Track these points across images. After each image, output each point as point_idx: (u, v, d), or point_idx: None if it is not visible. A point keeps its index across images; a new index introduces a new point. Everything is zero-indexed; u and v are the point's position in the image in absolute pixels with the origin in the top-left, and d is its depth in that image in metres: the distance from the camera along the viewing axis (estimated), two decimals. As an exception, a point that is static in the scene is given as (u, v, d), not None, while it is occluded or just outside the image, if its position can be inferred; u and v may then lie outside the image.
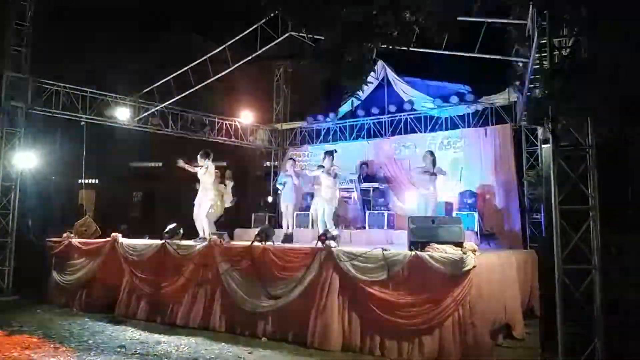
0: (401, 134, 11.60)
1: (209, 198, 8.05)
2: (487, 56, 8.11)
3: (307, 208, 10.28)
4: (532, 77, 6.46)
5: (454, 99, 10.70)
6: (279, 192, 11.10)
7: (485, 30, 7.72)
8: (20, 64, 9.37)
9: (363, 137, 12.28)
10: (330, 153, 8.59)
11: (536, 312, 6.63)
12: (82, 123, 10.28)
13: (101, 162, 15.95)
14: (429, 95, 11.46)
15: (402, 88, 11.77)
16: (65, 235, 8.90)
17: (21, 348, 5.51)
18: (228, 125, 12.77)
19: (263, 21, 10.38)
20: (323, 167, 8.49)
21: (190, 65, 11.02)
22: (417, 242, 5.66)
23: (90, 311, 7.80)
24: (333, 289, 5.81)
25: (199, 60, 11.01)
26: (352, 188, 10.95)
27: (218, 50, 10.93)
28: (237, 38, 10.84)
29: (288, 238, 8.31)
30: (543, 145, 7.29)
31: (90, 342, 5.93)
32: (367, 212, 10.31)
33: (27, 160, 9.63)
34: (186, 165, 8.11)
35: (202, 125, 12.18)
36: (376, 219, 10.02)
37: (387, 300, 5.47)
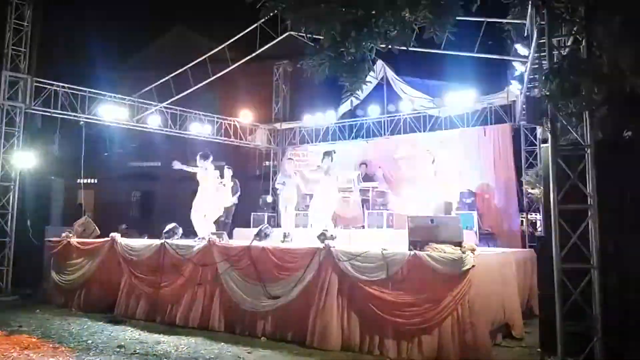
0: (400, 134, 11.62)
1: (208, 199, 8.06)
2: (486, 56, 8.12)
3: (306, 208, 10.28)
4: (531, 76, 6.47)
5: (453, 98, 10.70)
6: (278, 192, 11.14)
7: (484, 30, 7.74)
8: (19, 63, 9.37)
9: (362, 137, 12.30)
10: (329, 154, 8.60)
11: (535, 311, 6.62)
12: (81, 123, 10.27)
13: (100, 161, 15.97)
14: (428, 95, 11.48)
15: (402, 87, 11.78)
16: (64, 235, 8.88)
17: (20, 348, 5.50)
18: (227, 125, 12.77)
19: (262, 20, 10.38)
20: (322, 167, 8.52)
21: (189, 65, 11.02)
22: (416, 242, 5.65)
23: (89, 311, 7.78)
24: (332, 289, 5.81)
25: (199, 59, 11.01)
26: (351, 188, 10.95)
27: (217, 49, 10.93)
28: (236, 37, 10.85)
29: (287, 238, 8.30)
30: (542, 145, 7.29)
31: (89, 342, 5.91)
32: (366, 212, 10.31)
33: (26, 160, 9.63)
34: (183, 166, 8.11)
35: (200, 124, 12.19)
36: (375, 218, 10.01)
37: (386, 299, 5.46)
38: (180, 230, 7.84)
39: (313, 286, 5.89)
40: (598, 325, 4.45)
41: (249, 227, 10.72)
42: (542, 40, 5.05)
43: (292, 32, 10.27)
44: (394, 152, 11.01)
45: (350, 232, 9.89)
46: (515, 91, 9.28)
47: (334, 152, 8.83)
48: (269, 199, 12.43)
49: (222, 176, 9.38)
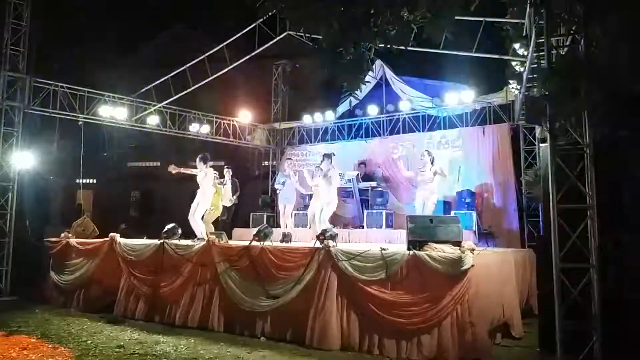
0: (399, 134, 11.63)
1: (206, 201, 8.07)
2: (485, 55, 8.12)
3: (305, 208, 10.29)
4: (530, 76, 6.46)
5: (452, 98, 10.71)
6: (278, 192, 11.14)
7: (483, 29, 7.74)
8: (18, 63, 9.35)
9: (361, 137, 12.30)
10: (328, 156, 8.61)
11: (534, 310, 6.63)
12: (80, 123, 10.26)
13: (99, 162, 15.95)
14: (427, 95, 11.49)
15: (400, 87, 11.79)
16: (63, 235, 8.89)
17: (19, 348, 5.49)
18: (226, 124, 12.77)
19: (261, 20, 10.38)
20: (321, 169, 8.53)
21: (188, 65, 11.01)
22: (416, 242, 5.66)
23: (88, 311, 7.79)
24: (331, 289, 5.81)
25: (197, 59, 11.00)
26: (351, 187, 10.96)
27: (216, 49, 10.92)
28: (235, 37, 10.85)
29: (286, 238, 8.31)
30: (541, 145, 7.29)
31: (88, 342, 5.91)
32: (366, 212, 10.32)
33: (25, 160, 9.63)
34: (181, 169, 8.12)
35: (199, 124, 12.18)
36: (374, 218, 10.02)
37: (385, 299, 5.47)
38: (180, 230, 7.84)
39: (312, 286, 5.89)
40: (597, 325, 4.46)
41: (248, 227, 10.73)
42: (540, 40, 5.05)
43: (290, 32, 10.29)
44: (392, 151, 10.98)
45: (349, 232, 9.92)
46: (514, 91, 9.28)
47: (334, 155, 8.84)
48: (268, 198, 12.43)
49: (221, 176, 9.40)
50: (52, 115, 9.99)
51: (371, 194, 10.76)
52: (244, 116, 13.03)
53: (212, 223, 8.74)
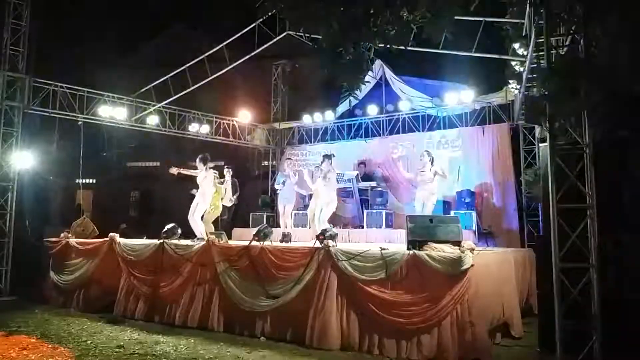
0: (399, 133, 11.63)
1: (206, 201, 8.07)
2: (485, 55, 8.12)
3: (305, 208, 10.28)
4: (530, 76, 6.47)
5: (452, 98, 10.71)
6: (278, 192, 11.14)
7: (482, 29, 7.74)
8: (17, 63, 9.35)
9: (361, 136, 12.30)
10: (328, 157, 8.62)
11: (534, 310, 6.64)
12: (79, 123, 10.26)
13: (98, 161, 15.95)
14: (426, 95, 11.49)
15: (400, 87, 11.80)
16: (62, 235, 8.89)
17: (19, 348, 5.49)
18: (226, 124, 12.77)
19: (260, 20, 10.38)
20: (321, 169, 8.54)
21: (188, 64, 11.01)
22: (416, 241, 5.65)
23: (88, 311, 7.78)
24: (331, 288, 5.81)
25: (197, 59, 11.00)
26: (350, 187, 10.96)
27: (216, 49, 10.92)
28: (235, 37, 10.84)
29: (286, 238, 8.31)
30: (540, 144, 7.31)
31: (88, 342, 5.91)
32: (365, 212, 10.32)
33: (25, 160, 9.62)
34: (182, 170, 8.13)
35: (199, 124, 12.18)
36: (374, 218, 10.02)
37: (385, 299, 5.47)
38: (179, 230, 7.84)
39: (312, 286, 5.89)
40: (597, 324, 4.46)
41: (248, 227, 10.73)
42: (540, 40, 5.06)
43: (290, 32, 10.28)
44: (392, 151, 10.98)
45: (349, 232, 9.92)
46: (513, 91, 9.29)
47: (334, 156, 8.85)
48: (268, 198, 12.43)
49: (221, 176, 9.40)
50: (52, 115, 9.99)
51: (371, 193, 10.77)
52: (244, 116, 13.02)
53: (212, 223, 8.74)
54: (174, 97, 11.17)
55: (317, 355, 5.44)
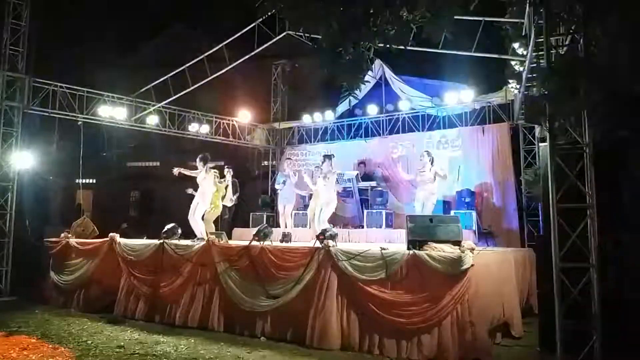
0: (399, 133, 11.63)
1: (206, 201, 8.07)
2: (485, 55, 8.12)
3: (305, 208, 10.29)
4: (529, 75, 6.47)
5: (452, 97, 10.71)
6: (278, 191, 11.14)
7: (482, 29, 7.74)
8: (17, 63, 9.35)
9: (361, 136, 12.30)
10: (328, 157, 8.63)
11: (535, 310, 6.64)
12: (79, 123, 10.26)
13: (98, 162, 15.95)
14: (426, 94, 11.48)
15: (400, 87, 11.79)
16: (62, 235, 8.89)
17: (19, 349, 5.49)
18: (226, 124, 12.77)
19: (260, 20, 10.37)
20: (321, 169, 8.54)
21: (187, 64, 11.00)
22: (416, 241, 5.65)
23: (88, 311, 7.79)
24: (331, 288, 5.81)
25: (197, 59, 11.00)
26: (350, 187, 10.96)
27: (216, 49, 10.91)
28: (235, 37, 10.84)
29: (286, 237, 8.31)
30: (540, 144, 7.30)
31: (88, 342, 5.91)
32: (365, 211, 10.32)
33: (24, 160, 9.62)
34: (184, 170, 8.14)
35: (199, 124, 12.18)
36: (374, 218, 10.02)
37: (385, 299, 5.47)
38: (180, 230, 7.84)
39: (312, 286, 5.89)
40: (597, 324, 4.46)
41: (248, 227, 10.73)
42: (540, 39, 5.06)
43: (290, 32, 10.28)
44: (392, 151, 10.99)
45: (349, 232, 9.92)
46: (513, 90, 9.29)
47: (334, 157, 8.86)
48: (268, 198, 12.43)
49: (222, 176, 9.40)
50: (52, 115, 9.99)
51: (371, 193, 10.77)
52: (244, 116, 13.02)
53: (214, 222, 8.75)
54: (174, 97, 11.17)
55: (317, 355, 5.44)
